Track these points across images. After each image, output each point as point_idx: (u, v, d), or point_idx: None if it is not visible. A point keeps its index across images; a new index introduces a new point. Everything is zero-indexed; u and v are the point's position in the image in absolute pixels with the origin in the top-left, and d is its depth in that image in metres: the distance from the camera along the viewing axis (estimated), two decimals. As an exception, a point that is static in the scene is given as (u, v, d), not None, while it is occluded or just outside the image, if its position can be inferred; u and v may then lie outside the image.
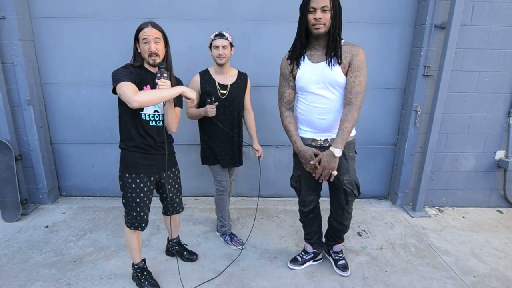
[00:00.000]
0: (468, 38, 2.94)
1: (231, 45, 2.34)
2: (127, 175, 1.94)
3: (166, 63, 1.91)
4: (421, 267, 2.43)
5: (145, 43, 1.83)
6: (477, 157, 3.28)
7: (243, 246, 2.61)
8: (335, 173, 1.93)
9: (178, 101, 2.02)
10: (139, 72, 1.88)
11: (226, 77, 2.43)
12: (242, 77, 2.50)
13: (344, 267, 2.33)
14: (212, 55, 2.35)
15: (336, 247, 2.40)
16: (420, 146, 3.20)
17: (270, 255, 2.54)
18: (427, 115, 3.10)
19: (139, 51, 1.89)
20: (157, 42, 1.84)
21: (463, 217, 3.23)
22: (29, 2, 2.93)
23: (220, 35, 2.29)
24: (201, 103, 2.45)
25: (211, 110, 2.30)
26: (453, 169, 3.31)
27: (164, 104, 1.93)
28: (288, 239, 2.75)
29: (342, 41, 1.88)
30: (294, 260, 2.41)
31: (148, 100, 1.72)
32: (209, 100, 2.29)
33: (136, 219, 1.99)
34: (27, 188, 3.17)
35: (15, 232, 2.77)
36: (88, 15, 2.96)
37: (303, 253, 2.45)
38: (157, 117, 1.95)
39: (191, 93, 1.86)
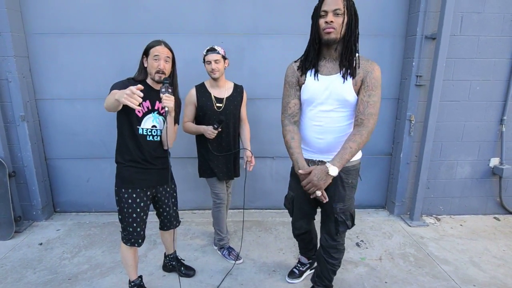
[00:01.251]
0: (458, 48, 3.00)
1: (224, 58, 2.36)
2: (123, 190, 1.92)
3: (172, 80, 1.94)
4: (421, 277, 2.41)
5: (156, 59, 1.85)
6: (472, 164, 3.30)
7: (241, 260, 2.58)
8: (318, 193, 1.66)
9: (175, 118, 2.03)
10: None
11: (222, 91, 2.45)
12: (238, 90, 2.52)
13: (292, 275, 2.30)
14: (206, 69, 2.37)
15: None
16: (416, 155, 3.22)
17: (268, 268, 2.51)
18: (421, 124, 3.13)
19: (145, 65, 1.91)
20: (167, 61, 1.88)
21: (461, 225, 3.23)
22: (24, 18, 2.94)
23: (212, 50, 2.31)
24: (197, 118, 2.46)
25: (211, 133, 2.30)
26: (449, 177, 3.33)
27: (164, 120, 1.92)
28: (287, 252, 2.72)
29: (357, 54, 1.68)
30: (291, 274, 2.39)
31: (104, 105, 1.75)
32: (215, 125, 2.29)
33: (132, 235, 1.97)
34: (20, 205, 3.12)
35: (8, 251, 2.71)
36: (82, 30, 2.98)
37: (299, 265, 2.42)
38: (154, 132, 1.95)
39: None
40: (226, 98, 2.44)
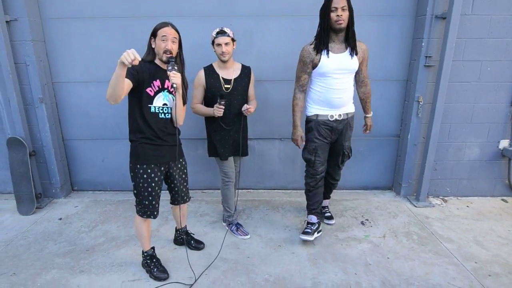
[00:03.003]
0: (469, 28, 2.96)
1: (233, 40, 2.41)
2: (138, 166, 2.02)
3: (177, 59, 2.01)
4: (423, 254, 2.47)
5: (163, 40, 1.93)
6: (480, 146, 3.29)
7: (249, 236, 2.69)
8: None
9: (183, 97, 2.11)
10: (149, 67, 1.98)
11: (230, 72, 2.50)
12: (245, 71, 2.56)
13: (329, 218, 2.91)
14: (215, 52, 2.42)
15: (324, 202, 2.92)
16: (423, 136, 3.22)
17: (274, 243, 2.61)
18: (429, 106, 3.12)
19: (153, 46, 1.99)
20: (174, 42, 1.97)
21: (467, 206, 3.25)
22: (40, 4, 3.04)
23: (222, 32, 2.35)
24: (206, 99, 2.53)
25: (218, 109, 2.36)
26: (457, 158, 3.33)
27: (173, 98, 2.01)
28: (293, 229, 2.82)
29: None
30: (305, 233, 2.58)
31: (108, 90, 1.79)
32: (219, 101, 2.35)
33: (148, 208, 2.09)
34: (41, 183, 3.30)
35: (31, 224, 2.90)
36: (95, 15, 3.07)
37: (309, 225, 2.62)
38: (165, 110, 2.04)
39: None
40: (234, 79, 2.50)
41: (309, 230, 2.58)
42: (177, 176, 2.20)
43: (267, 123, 3.35)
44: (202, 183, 3.58)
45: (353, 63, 2.33)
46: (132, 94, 1.97)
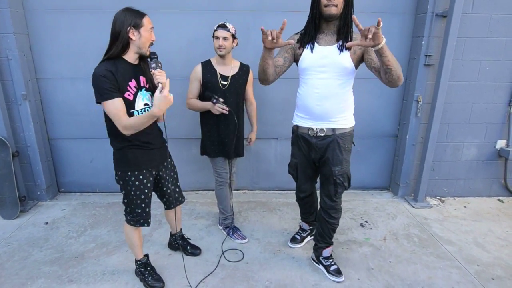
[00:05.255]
0: (470, 27, 2.92)
1: (234, 37, 2.30)
2: (129, 173, 1.86)
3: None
4: (425, 257, 2.43)
5: (151, 31, 1.77)
6: (478, 146, 3.27)
7: (246, 240, 2.60)
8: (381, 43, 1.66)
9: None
10: (118, 67, 1.72)
11: (228, 68, 2.40)
12: (244, 69, 2.46)
13: (338, 272, 2.20)
14: (214, 45, 2.32)
15: (326, 252, 2.26)
16: (422, 136, 3.18)
17: (273, 248, 2.53)
18: (428, 105, 3.08)
19: (133, 39, 1.72)
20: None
21: (465, 206, 3.23)
22: (22, -6, 2.86)
23: (223, 26, 2.26)
24: (202, 95, 2.42)
25: (218, 108, 2.27)
26: (454, 159, 3.30)
27: (152, 96, 1.84)
28: (291, 232, 2.73)
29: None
30: (293, 239, 2.55)
31: (135, 127, 1.69)
32: (214, 100, 2.27)
33: (141, 216, 1.95)
34: (25, 184, 3.11)
35: (14, 230, 2.73)
36: (83, 7, 2.89)
37: (300, 231, 2.59)
38: (147, 110, 1.84)
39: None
40: (232, 76, 2.40)
41: (297, 237, 2.56)
42: (168, 178, 2.07)
43: (263, 122, 3.24)
44: (195, 184, 3.46)
45: (342, 59, 1.82)
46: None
